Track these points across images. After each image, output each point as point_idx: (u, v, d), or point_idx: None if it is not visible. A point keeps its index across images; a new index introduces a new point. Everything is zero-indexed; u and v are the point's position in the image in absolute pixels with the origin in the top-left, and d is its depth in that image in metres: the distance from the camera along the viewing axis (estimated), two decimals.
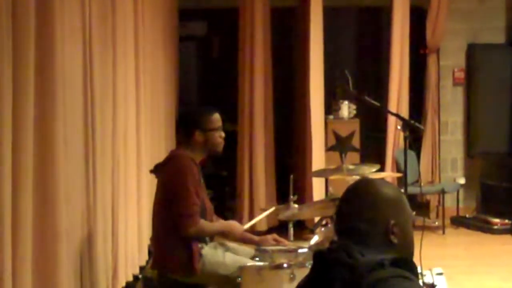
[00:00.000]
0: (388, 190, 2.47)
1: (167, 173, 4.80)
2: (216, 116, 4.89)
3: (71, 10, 4.20)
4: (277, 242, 4.95)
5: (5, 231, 2.98)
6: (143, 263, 6.33)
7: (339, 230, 2.47)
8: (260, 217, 5.50)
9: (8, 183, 3.02)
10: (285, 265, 4.36)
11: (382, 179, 2.74)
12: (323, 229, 5.16)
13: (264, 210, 7.77)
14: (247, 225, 5.32)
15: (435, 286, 4.97)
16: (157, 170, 4.95)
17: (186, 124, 4.90)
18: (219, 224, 5.00)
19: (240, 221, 9.39)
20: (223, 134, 4.90)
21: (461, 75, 10.51)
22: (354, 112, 9.91)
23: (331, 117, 9.78)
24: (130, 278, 5.83)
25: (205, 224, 4.73)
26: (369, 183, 2.53)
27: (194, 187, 4.66)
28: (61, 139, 3.61)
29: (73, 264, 4.23)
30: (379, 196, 2.43)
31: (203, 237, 4.79)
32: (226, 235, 4.96)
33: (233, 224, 5.03)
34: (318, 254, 2.42)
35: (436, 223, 9.86)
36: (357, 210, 2.42)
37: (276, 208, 5.36)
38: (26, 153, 3.22)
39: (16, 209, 3.11)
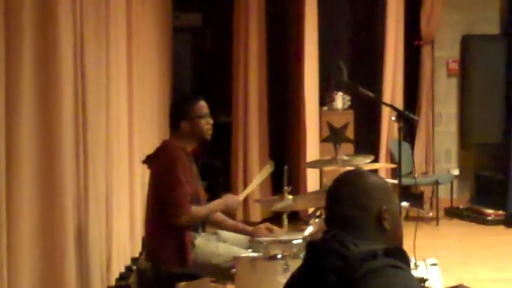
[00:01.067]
0: (376, 179, 2.51)
1: (157, 163, 4.82)
2: (201, 104, 4.89)
3: (65, 2, 4.18)
4: (270, 231, 4.96)
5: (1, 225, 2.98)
6: (136, 254, 6.31)
7: (330, 219, 2.47)
8: (254, 182, 5.47)
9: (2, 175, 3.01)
10: (279, 256, 4.36)
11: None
12: (317, 220, 5.16)
13: (259, 201, 7.79)
14: (242, 195, 5.32)
15: (426, 280, 4.96)
16: (148, 160, 4.95)
17: (173, 115, 4.92)
18: (211, 204, 4.95)
19: (234, 215, 9.42)
20: (210, 121, 4.89)
21: (455, 66, 10.51)
22: (348, 103, 9.92)
23: (325, 108, 9.78)
24: (123, 270, 5.83)
25: (196, 209, 4.71)
26: (357, 173, 2.58)
27: (184, 176, 4.66)
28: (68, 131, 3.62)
29: (67, 255, 4.23)
30: (369, 183, 2.46)
31: (196, 226, 4.79)
32: (222, 210, 4.94)
33: (226, 198, 4.99)
34: (311, 245, 2.43)
35: (430, 214, 9.87)
36: (349, 198, 2.43)
37: (271, 169, 5.36)
38: (26, 150, 3.23)
39: (16, 202, 3.12)
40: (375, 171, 8.59)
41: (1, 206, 2.98)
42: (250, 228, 5.10)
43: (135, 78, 6.47)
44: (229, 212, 5.09)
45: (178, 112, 4.88)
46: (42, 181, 3.51)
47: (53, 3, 3.69)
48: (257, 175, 5.69)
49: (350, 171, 2.62)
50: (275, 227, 5.01)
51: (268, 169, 5.40)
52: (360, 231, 2.37)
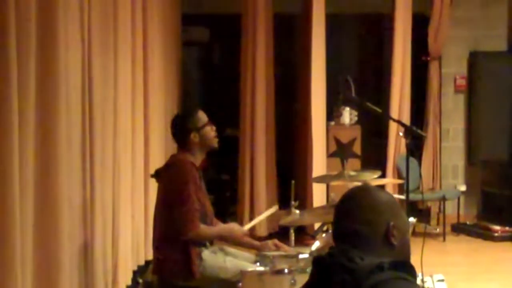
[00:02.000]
0: (384, 194, 2.51)
1: (168, 178, 4.82)
2: (201, 113, 4.95)
3: (73, 15, 4.21)
4: (278, 248, 4.95)
5: (13, 234, 2.99)
6: (135, 268, 6.31)
7: (338, 235, 2.47)
8: (260, 217, 5.50)
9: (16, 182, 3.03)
10: (286, 270, 4.36)
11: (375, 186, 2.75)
12: (324, 235, 5.16)
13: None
14: (247, 226, 5.33)
15: None
16: (157, 175, 4.96)
17: (179, 130, 4.94)
18: (219, 228, 5.01)
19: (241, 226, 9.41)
20: (214, 127, 4.94)
21: (462, 82, 10.52)
22: (356, 118, 9.92)
23: (332, 123, 9.77)
24: (129, 282, 5.84)
25: (205, 229, 4.75)
26: (365, 188, 2.57)
27: (195, 192, 4.68)
28: (64, 140, 3.62)
29: (74, 265, 4.24)
30: (377, 199, 2.46)
31: (203, 241, 4.80)
32: (226, 238, 4.97)
33: (232, 226, 5.05)
34: (317, 259, 2.43)
35: (437, 230, 9.85)
36: (357, 214, 2.43)
37: (277, 208, 5.38)
38: (29, 154, 3.23)
39: (21, 209, 3.12)
40: (382, 187, 8.60)
41: (14, 216, 3.01)
42: (257, 243, 5.11)
43: (142, 93, 6.50)
44: (229, 242, 5.10)
45: (185, 126, 4.89)
46: (52, 192, 3.52)
47: (60, 17, 3.72)
48: (263, 212, 5.74)
49: (359, 187, 2.62)
50: (283, 244, 5.01)
51: (274, 208, 5.43)
52: (368, 246, 2.37)
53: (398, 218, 2.45)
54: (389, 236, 2.40)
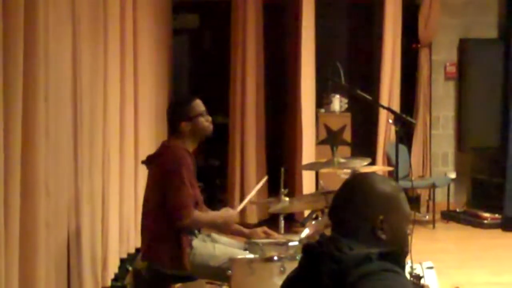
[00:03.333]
0: (385, 187, 2.44)
1: (161, 164, 4.77)
2: (197, 102, 4.88)
3: (61, 2, 4.18)
4: (267, 235, 4.95)
5: None
6: (125, 255, 6.30)
7: (332, 221, 2.47)
8: (252, 192, 5.46)
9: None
10: (275, 258, 4.36)
11: (383, 175, 2.72)
12: (313, 222, 5.16)
13: (256, 202, 7.79)
14: (240, 207, 5.31)
15: (422, 277, 4.97)
16: (149, 161, 4.93)
17: (172, 117, 4.91)
18: (213, 213, 4.97)
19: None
20: (209, 118, 4.89)
21: (452, 69, 10.52)
22: (346, 105, 9.92)
23: (322, 110, 9.78)
24: (119, 269, 5.84)
25: (199, 215, 4.73)
26: (366, 178, 2.52)
27: (189, 179, 4.66)
28: (43, 130, 3.59)
29: (58, 256, 4.22)
30: (372, 192, 2.42)
31: (195, 229, 4.78)
32: (219, 224, 4.94)
33: (226, 212, 4.98)
34: (307, 247, 2.42)
35: (427, 217, 9.88)
36: (348, 204, 2.42)
37: (266, 178, 5.37)
38: (14, 146, 3.22)
39: (5, 203, 3.10)
40: None
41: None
42: (246, 231, 5.10)
43: (132, 80, 6.48)
44: (223, 228, 5.06)
45: (177, 114, 4.87)
46: (30, 183, 3.50)
47: (49, 5, 3.70)
48: (253, 187, 5.69)
49: (359, 175, 2.59)
50: (272, 232, 5.00)
51: (264, 179, 5.41)
52: (356, 237, 2.36)
53: (393, 213, 2.41)
54: (376, 230, 2.38)
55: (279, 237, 4.95)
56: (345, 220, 2.40)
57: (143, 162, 5.03)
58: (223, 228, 5.02)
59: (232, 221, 4.98)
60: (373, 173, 2.66)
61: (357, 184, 2.48)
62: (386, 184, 2.47)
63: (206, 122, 4.87)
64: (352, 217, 2.39)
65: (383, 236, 2.38)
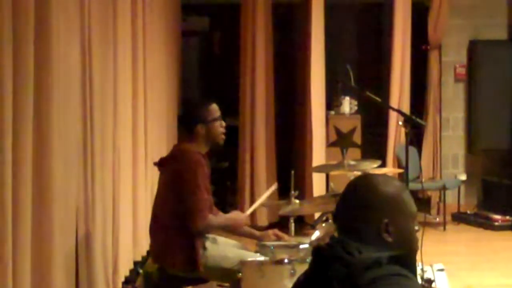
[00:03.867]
0: (388, 188, 2.40)
1: (176, 167, 4.74)
2: (214, 107, 4.89)
3: (70, 5, 4.19)
4: (278, 237, 4.95)
5: (7, 227, 2.98)
6: (139, 258, 6.31)
7: (337, 226, 2.46)
8: (261, 199, 5.45)
9: (9, 177, 3.02)
10: (286, 260, 4.37)
11: (386, 175, 2.68)
12: (324, 224, 5.17)
13: (266, 205, 7.79)
14: (249, 210, 5.33)
15: (433, 281, 4.96)
16: (161, 164, 4.93)
17: (187, 119, 4.90)
18: (225, 217, 5.00)
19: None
20: (223, 124, 4.90)
21: (462, 71, 10.50)
22: (356, 107, 9.92)
23: (332, 112, 9.78)
24: (131, 273, 5.84)
25: (213, 219, 4.75)
26: (369, 180, 2.47)
27: (203, 182, 4.66)
28: (56, 134, 3.60)
29: (72, 259, 4.23)
30: (375, 194, 2.39)
31: (209, 232, 4.78)
32: (229, 227, 4.96)
33: (236, 215, 5.04)
34: (316, 250, 2.42)
35: (437, 219, 9.86)
36: (352, 208, 2.40)
37: (276, 187, 5.37)
38: (25, 149, 3.22)
39: (16, 205, 3.10)
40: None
41: (7, 209, 2.99)
42: (257, 233, 5.10)
43: (142, 82, 6.49)
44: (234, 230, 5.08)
45: (193, 116, 4.86)
46: (45, 186, 3.51)
47: (60, 7, 3.70)
48: (263, 193, 5.68)
49: (362, 178, 2.57)
50: (283, 234, 5.00)
51: (274, 187, 5.41)
52: (363, 240, 2.34)
53: (398, 214, 2.38)
54: (381, 233, 2.35)
55: (290, 240, 4.94)
56: (350, 224, 2.38)
57: (155, 163, 5.02)
58: (233, 230, 5.04)
59: (242, 224, 4.99)
60: (376, 174, 2.62)
61: (360, 187, 2.44)
62: (389, 185, 2.43)
63: (221, 127, 4.87)
64: (356, 221, 2.37)
65: (389, 239, 2.35)
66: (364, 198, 2.40)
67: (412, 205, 2.44)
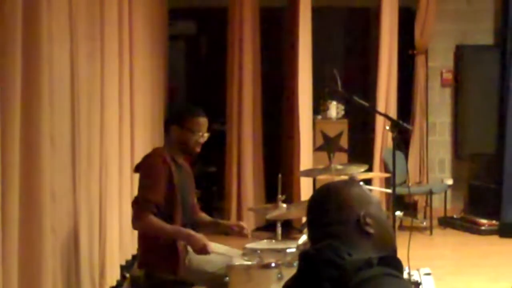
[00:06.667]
0: (347, 187, 2.46)
1: (140, 170, 4.80)
2: (200, 120, 4.76)
3: (58, 10, 4.18)
4: (240, 228, 5.00)
5: None
6: (123, 262, 6.29)
7: (313, 238, 2.46)
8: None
9: None
10: (273, 264, 4.36)
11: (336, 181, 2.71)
12: None
13: (253, 209, 7.77)
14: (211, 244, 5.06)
15: (420, 284, 4.97)
16: (137, 168, 4.94)
17: (168, 117, 4.90)
18: (174, 228, 4.65)
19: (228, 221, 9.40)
20: (200, 140, 4.76)
21: (449, 76, 10.54)
22: (342, 112, 9.93)
23: (319, 117, 9.79)
24: (117, 277, 5.83)
25: (153, 221, 4.53)
26: (329, 187, 2.51)
27: (154, 184, 4.59)
28: (47, 137, 3.59)
29: (60, 262, 4.22)
30: (342, 196, 2.42)
31: (152, 233, 4.67)
32: (178, 239, 4.69)
33: (193, 236, 4.59)
34: (304, 254, 2.42)
35: (424, 223, 9.87)
36: (324, 217, 2.41)
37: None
38: (12, 152, 3.21)
39: (3, 207, 3.09)
40: (368, 181, 8.61)
41: None
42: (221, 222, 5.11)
43: (129, 87, 6.48)
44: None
45: (173, 115, 4.85)
46: (35, 189, 3.50)
47: (46, 11, 3.69)
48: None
49: (322, 188, 2.55)
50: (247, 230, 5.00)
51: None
52: (348, 243, 2.35)
53: (369, 206, 2.42)
54: (362, 226, 2.38)
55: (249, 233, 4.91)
56: (328, 233, 2.39)
57: (134, 171, 5.04)
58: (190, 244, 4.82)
59: (197, 247, 4.59)
60: (334, 181, 2.65)
61: (324, 196, 2.47)
62: (348, 184, 2.49)
63: (194, 142, 4.75)
64: (333, 227, 2.38)
65: (372, 230, 2.38)
66: (333, 204, 2.41)
67: (372, 194, 2.51)
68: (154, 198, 4.57)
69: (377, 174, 9.25)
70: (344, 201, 2.41)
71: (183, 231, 4.63)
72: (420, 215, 10.19)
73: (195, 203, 5.04)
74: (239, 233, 5.03)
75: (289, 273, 2.66)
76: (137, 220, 4.58)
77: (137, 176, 4.91)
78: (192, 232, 4.61)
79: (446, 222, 9.96)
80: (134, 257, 6.46)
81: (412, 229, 6.66)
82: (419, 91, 10.22)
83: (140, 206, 4.58)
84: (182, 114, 4.82)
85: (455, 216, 10.06)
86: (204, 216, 5.19)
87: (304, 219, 7.63)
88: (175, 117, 4.82)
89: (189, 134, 4.73)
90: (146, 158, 4.80)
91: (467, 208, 10.30)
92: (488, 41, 10.50)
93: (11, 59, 3.20)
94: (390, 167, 7.46)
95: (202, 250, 4.54)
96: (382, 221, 2.45)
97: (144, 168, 4.71)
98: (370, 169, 8.37)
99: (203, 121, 4.79)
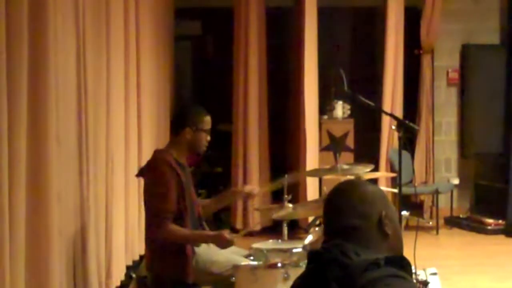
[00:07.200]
0: (372, 187, 2.50)
1: (147, 176, 4.80)
2: (208, 119, 4.87)
3: (65, 10, 4.19)
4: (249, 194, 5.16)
5: (3, 230, 2.97)
6: (130, 263, 6.29)
7: (331, 230, 2.46)
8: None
9: (5, 181, 3.01)
10: (279, 264, 4.36)
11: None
12: (317, 228, 5.16)
13: (259, 209, 7.78)
14: (242, 232, 5.23)
15: (428, 283, 4.97)
16: (140, 173, 4.94)
17: (179, 119, 4.89)
18: (200, 233, 4.79)
19: (234, 221, 9.41)
20: (209, 138, 4.88)
21: (455, 75, 10.52)
22: (348, 112, 9.92)
23: (325, 117, 9.78)
24: (123, 278, 5.83)
25: (175, 229, 4.60)
26: (352, 182, 2.55)
27: (169, 192, 4.61)
28: (54, 137, 3.60)
29: (66, 263, 4.22)
30: (366, 191, 2.45)
31: (173, 242, 4.69)
32: (197, 242, 4.77)
33: (220, 236, 4.64)
34: (312, 254, 2.42)
35: (430, 223, 9.86)
36: (348, 208, 2.42)
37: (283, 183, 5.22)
38: (19, 152, 3.22)
39: (10, 208, 3.10)
40: (375, 180, 8.61)
41: (4, 214, 2.99)
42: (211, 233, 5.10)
43: (135, 87, 6.49)
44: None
45: (185, 118, 4.84)
46: (42, 189, 3.50)
47: (53, 10, 3.70)
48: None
49: (344, 182, 2.59)
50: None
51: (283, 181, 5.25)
52: (363, 240, 2.36)
53: (388, 207, 2.44)
54: (382, 225, 2.40)
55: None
56: (349, 226, 2.39)
57: (136, 175, 5.04)
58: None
59: (225, 247, 4.68)
60: (355, 178, 2.68)
61: (348, 189, 2.49)
62: (369, 184, 2.52)
63: (205, 141, 4.86)
64: (356, 221, 2.39)
65: (390, 231, 2.40)
66: (357, 196, 2.43)
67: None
68: (169, 207, 4.61)
69: (383, 173, 9.25)
70: (368, 197, 2.43)
71: (206, 235, 4.74)
72: (426, 215, 10.18)
73: (196, 197, 5.06)
74: (248, 196, 5.17)
75: (295, 273, 2.66)
76: (159, 230, 4.59)
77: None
78: (214, 233, 4.71)
79: (452, 222, 9.95)
80: (141, 257, 6.47)
81: (418, 228, 6.65)
82: (425, 90, 10.21)
83: (158, 216, 4.59)
84: (195, 116, 4.83)
85: (461, 216, 10.05)
86: (203, 201, 5.31)
87: (310, 219, 7.63)
88: (188, 120, 4.81)
89: (202, 134, 4.82)
90: (151, 164, 4.79)
91: (473, 208, 10.29)
92: (494, 41, 10.49)
93: (17, 59, 3.20)
94: (396, 166, 7.47)
95: (229, 244, 4.64)
96: (397, 227, 2.47)
97: (153, 177, 4.71)
98: (376, 169, 8.37)
99: (210, 119, 4.90)
